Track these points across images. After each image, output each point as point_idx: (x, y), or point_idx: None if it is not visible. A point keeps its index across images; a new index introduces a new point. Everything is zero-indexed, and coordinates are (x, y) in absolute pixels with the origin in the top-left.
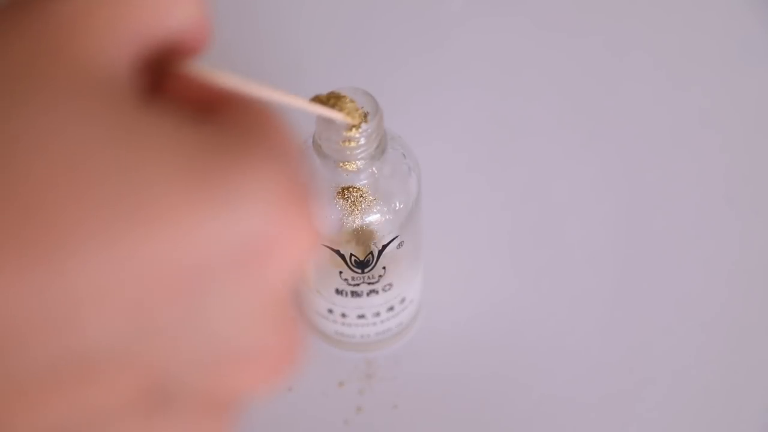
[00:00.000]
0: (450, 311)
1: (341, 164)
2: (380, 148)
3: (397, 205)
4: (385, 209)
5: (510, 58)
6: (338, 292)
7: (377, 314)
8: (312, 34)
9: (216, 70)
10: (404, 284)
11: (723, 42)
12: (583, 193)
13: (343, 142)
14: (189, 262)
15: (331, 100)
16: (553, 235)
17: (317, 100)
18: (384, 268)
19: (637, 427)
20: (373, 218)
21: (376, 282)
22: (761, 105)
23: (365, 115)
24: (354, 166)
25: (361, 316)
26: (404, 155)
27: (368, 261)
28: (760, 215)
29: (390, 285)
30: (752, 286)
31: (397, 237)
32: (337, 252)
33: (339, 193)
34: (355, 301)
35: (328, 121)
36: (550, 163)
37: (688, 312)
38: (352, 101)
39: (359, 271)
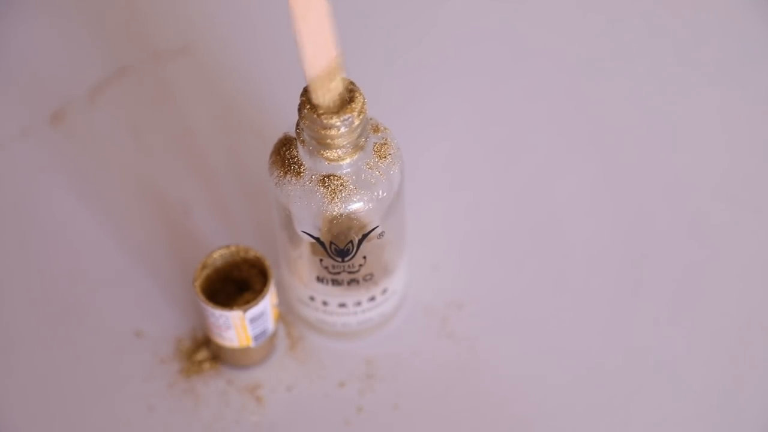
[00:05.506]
0: (450, 312)
1: (322, 153)
2: (362, 138)
3: (380, 194)
4: (366, 198)
5: (508, 57)
6: (319, 279)
7: (358, 303)
8: None
9: None
10: (386, 275)
11: (723, 42)
12: (582, 192)
13: (324, 129)
14: None
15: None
16: (552, 234)
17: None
18: (365, 257)
19: (638, 426)
20: (354, 207)
21: (357, 271)
22: (762, 105)
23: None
24: (335, 154)
25: (342, 305)
26: (388, 145)
27: (348, 250)
28: (761, 214)
29: (371, 275)
30: (753, 285)
31: (378, 227)
32: (318, 240)
33: (320, 181)
34: (336, 289)
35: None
36: (549, 161)
37: (688, 312)
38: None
39: (339, 259)
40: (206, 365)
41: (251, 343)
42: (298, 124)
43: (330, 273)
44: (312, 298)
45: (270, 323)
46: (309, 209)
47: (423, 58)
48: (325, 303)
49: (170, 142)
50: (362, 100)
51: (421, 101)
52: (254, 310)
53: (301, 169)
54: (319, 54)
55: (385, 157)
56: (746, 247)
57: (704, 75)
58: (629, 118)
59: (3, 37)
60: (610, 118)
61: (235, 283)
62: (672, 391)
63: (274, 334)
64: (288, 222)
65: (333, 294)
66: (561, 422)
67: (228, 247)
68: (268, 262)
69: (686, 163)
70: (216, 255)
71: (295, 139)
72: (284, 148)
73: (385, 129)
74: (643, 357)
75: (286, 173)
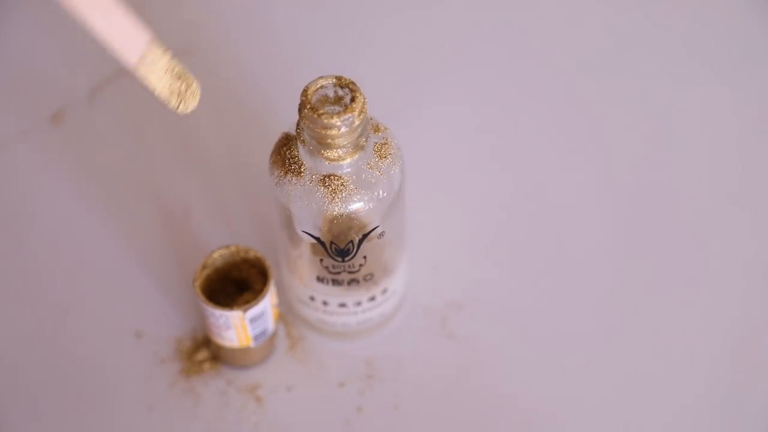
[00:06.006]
0: (450, 312)
1: (322, 152)
2: (363, 138)
3: (380, 194)
4: (367, 198)
5: (508, 58)
6: (319, 279)
7: (358, 303)
8: (308, 26)
9: None
10: (386, 275)
11: (723, 42)
12: (582, 192)
13: (324, 129)
14: None
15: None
16: (553, 234)
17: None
18: (365, 257)
19: (638, 426)
20: (355, 207)
21: (357, 271)
22: (761, 105)
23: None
24: (335, 154)
25: (342, 305)
26: (389, 145)
27: (348, 249)
28: (761, 214)
29: (371, 275)
30: (753, 286)
31: (378, 227)
32: (318, 239)
33: (320, 180)
34: (336, 289)
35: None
36: (549, 161)
37: (688, 312)
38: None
39: (340, 259)
40: (206, 365)
41: (251, 343)
42: (298, 124)
43: (330, 273)
44: (312, 298)
45: (270, 323)
46: (309, 209)
47: (423, 57)
48: (325, 303)
49: (170, 142)
50: (363, 100)
51: (421, 101)
52: (254, 310)
53: (302, 169)
54: (130, 42)
55: (385, 157)
56: (746, 246)
57: (705, 75)
58: (629, 118)
59: (3, 37)
60: (610, 119)
61: (235, 283)
62: (672, 390)
63: (274, 334)
64: (288, 222)
65: (333, 294)
66: (561, 422)
67: (228, 247)
68: (268, 263)
69: (686, 162)
70: (216, 255)
71: (295, 138)
72: (284, 148)
73: (386, 129)
74: (643, 357)
75: (286, 173)
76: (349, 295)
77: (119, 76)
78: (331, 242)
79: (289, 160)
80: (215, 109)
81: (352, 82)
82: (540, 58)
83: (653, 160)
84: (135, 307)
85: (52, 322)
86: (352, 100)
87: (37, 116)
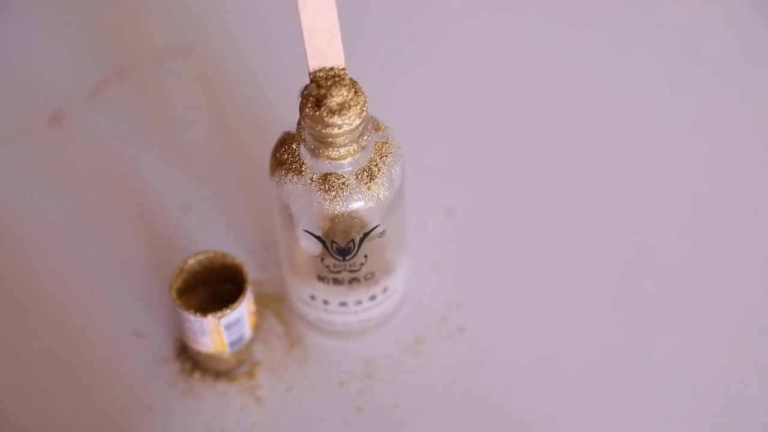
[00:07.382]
0: (450, 311)
1: (323, 152)
2: (364, 137)
3: (381, 193)
4: (368, 197)
5: (508, 57)
6: (320, 278)
7: (359, 302)
8: None
9: None
10: (387, 274)
11: (723, 42)
12: (581, 192)
13: (325, 128)
14: None
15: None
16: (552, 234)
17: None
18: (366, 256)
19: (637, 426)
20: (356, 206)
21: (358, 270)
22: (761, 105)
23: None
24: (336, 153)
25: (343, 304)
26: (389, 144)
27: (349, 248)
28: (760, 215)
29: (372, 274)
30: (752, 286)
31: (379, 225)
32: (319, 238)
33: (321, 179)
34: (337, 288)
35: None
36: (548, 161)
37: (687, 312)
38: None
39: (340, 258)
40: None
41: (227, 350)
42: (299, 123)
43: (331, 272)
44: (313, 297)
45: (247, 330)
46: (310, 208)
47: (424, 56)
48: (326, 302)
49: (170, 141)
50: (363, 99)
51: (421, 100)
52: (229, 317)
53: (303, 168)
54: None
55: (386, 156)
56: (747, 247)
57: (705, 76)
58: (628, 118)
59: (3, 37)
60: (609, 119)
61: (222, 288)
62: (672, 389)
63: (252, 341)
64: (289, 221)
65: (334, 293)
66: (561, 422)
67: (205, 252)
68: (246, 270)
69: (686, 163)
70: (192, 261)
71: (296, 137)
72: (285, 147)
73: (386, 128)
74: (642, 356)
75: (287, 172)
76: (350, 294)
77: (119, 77)
78: (332, 241)
79: (290, 159)
80: (215, 109)
81: (353, 81)
82: (540, 58)
83: (653, 160)
84: (135, 307)
85: (51, 321)
86: (353, 99)
87: (37, 116)
